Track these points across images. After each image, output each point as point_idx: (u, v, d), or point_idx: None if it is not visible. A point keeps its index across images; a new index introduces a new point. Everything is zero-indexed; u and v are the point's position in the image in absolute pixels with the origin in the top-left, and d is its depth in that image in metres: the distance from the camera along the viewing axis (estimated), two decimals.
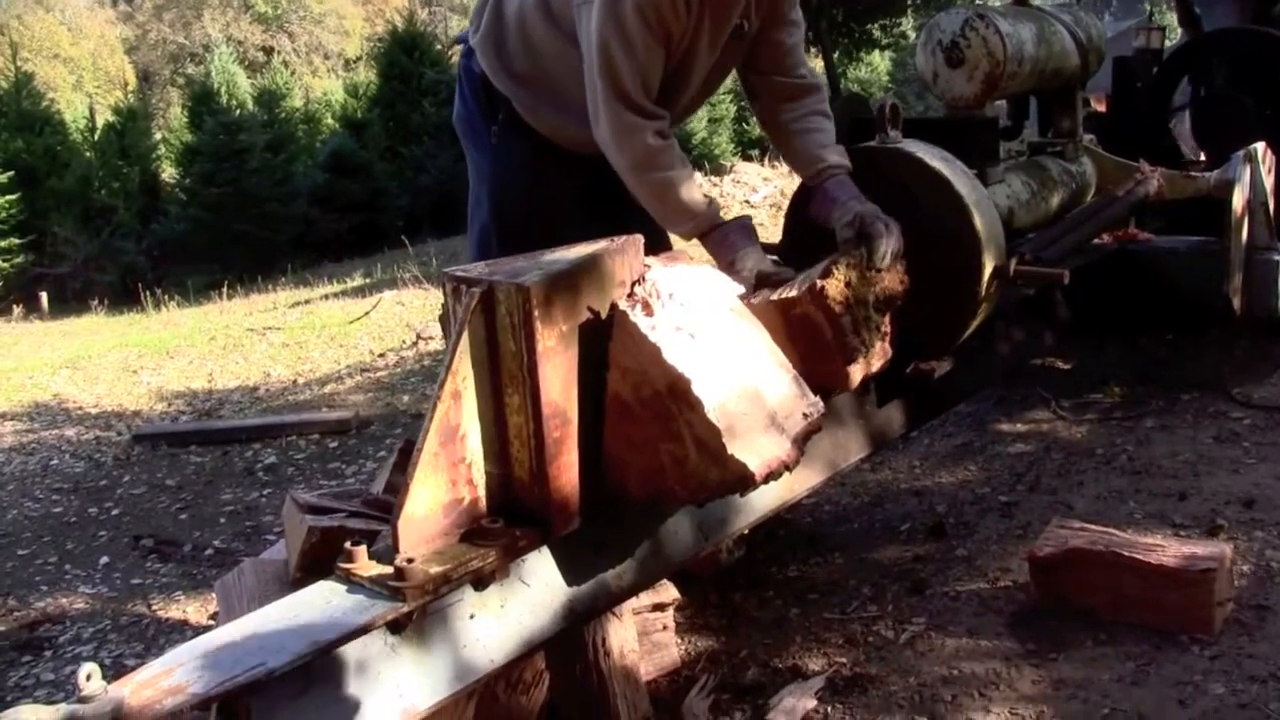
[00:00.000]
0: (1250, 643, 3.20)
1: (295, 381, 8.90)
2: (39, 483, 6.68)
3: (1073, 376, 5.56)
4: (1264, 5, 6.22)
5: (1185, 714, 2.93)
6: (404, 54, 33.12)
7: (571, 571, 2.66)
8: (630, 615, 3.19)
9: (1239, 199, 4.63)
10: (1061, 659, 3.24)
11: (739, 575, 3.96)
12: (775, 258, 3.38)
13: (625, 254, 2.57)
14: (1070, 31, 4.67)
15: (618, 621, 3.08)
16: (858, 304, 3.06)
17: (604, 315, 2.51)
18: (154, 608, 4.68)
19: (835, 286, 2.99)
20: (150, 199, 33.90)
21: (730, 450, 2.46)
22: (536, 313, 2.34)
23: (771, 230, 11.31)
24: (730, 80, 3.90)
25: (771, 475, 2.55)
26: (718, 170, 15.80)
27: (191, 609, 4.63)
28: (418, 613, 2.30)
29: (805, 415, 2.65)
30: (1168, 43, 6.40)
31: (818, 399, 2.71)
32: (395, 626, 2.27)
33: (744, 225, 3.43)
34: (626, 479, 2.59)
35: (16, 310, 23.28)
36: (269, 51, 55.39)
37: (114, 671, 3.89)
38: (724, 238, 3.39)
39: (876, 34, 32.27)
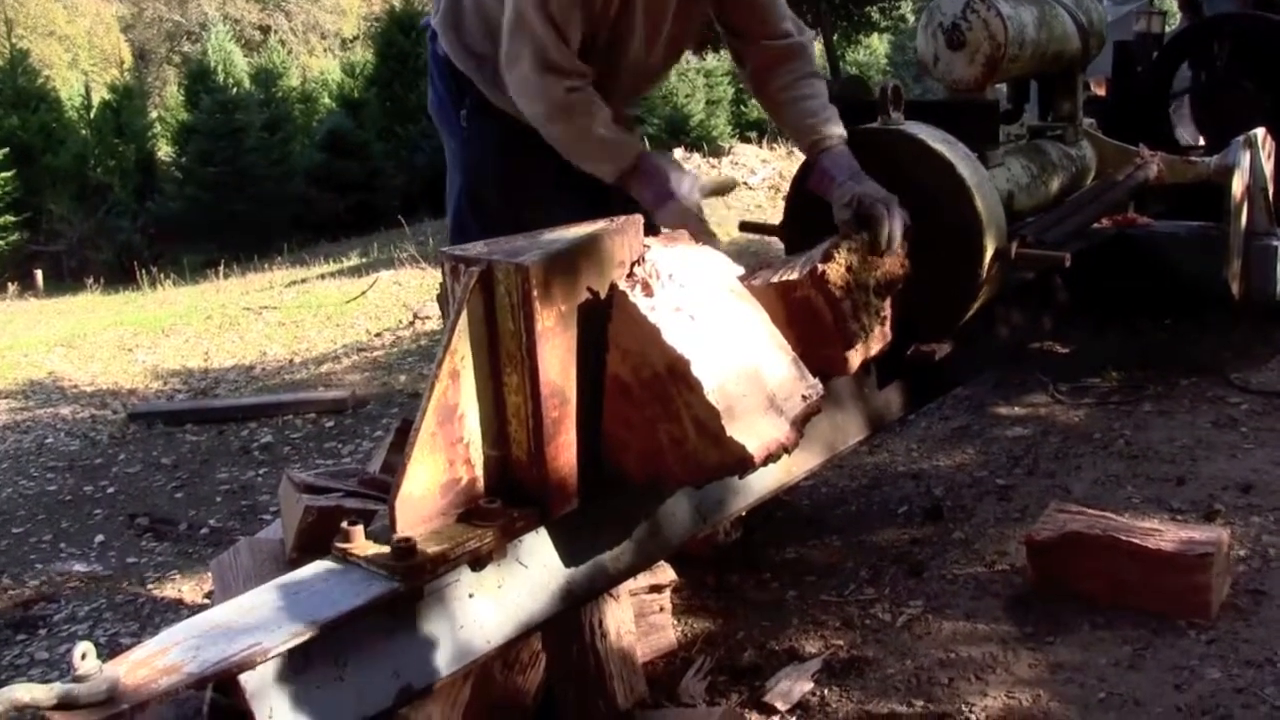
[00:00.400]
0: (1246, 628, 3.21)
1: (291, 361, 8.88)
2: (34, 461, 6.67)
3: (1071, 360, 5.56)
4: None
5: (1181, 698, 2.93)
6: (401, 33, 32.98)
7: (569, 552, 2.65)
8: (627, 597, 3.19)
9: (1238, 184, 4.62)
10: (1058, 643, 3.24)
11: (736, 557, 3.96)
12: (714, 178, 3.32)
13: (625, 234, 2.56)
14: (1071, 15, 4.65)
15: (615, 603, 3.08)
16: (858, 288, 3.05)
17: (603, 295, 2.49)
18: (149, 586, 4.68)
19: (836, 271, 2.98)
20: (146, 177, 33.81)
21: (729, 432, 2.45)
22: (535, 292, 2.33)
23: (770, 212, 11.31)
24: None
25: (770, 457, 2.54)
26: (715, 152, 15.77)
27: (187, 588, 4.62)
28: (415, 593, 2.29)
29: (804, 397, 2.65)
30: (1168, 27, 6.38)
31: (817, 381, 2.70)
32: (392, 606, 2.26)
33: (665, 154, 3.37)
34: (625, 460, 2.58)
35: (11, 288, 23.17)
36: (266, 30, 55.20)
37: (109, 650, 3.89)
38: (654, 167, 3.34)
39: (875, 16, 32.24)
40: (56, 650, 4.18)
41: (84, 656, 1.88)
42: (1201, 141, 5.80)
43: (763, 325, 2.70)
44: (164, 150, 35.71)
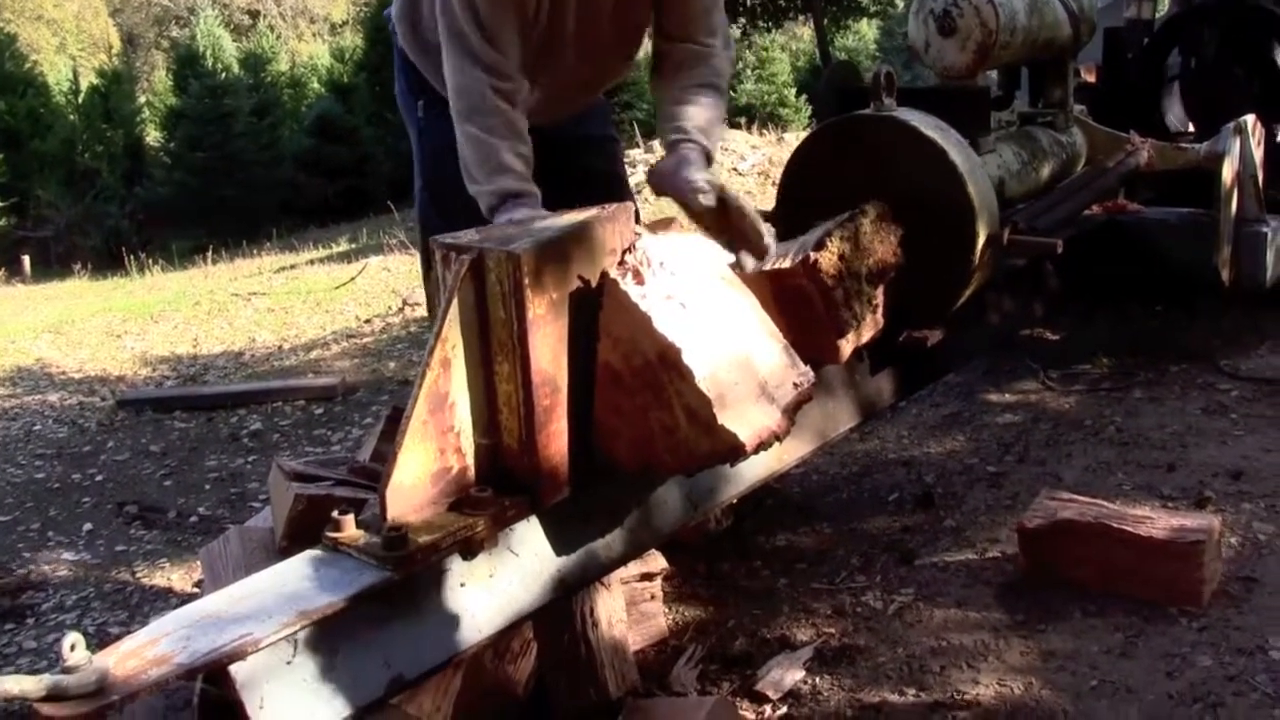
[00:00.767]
0: (1238, 615, 3.20)
1: (281, 347, 8.87)
2: (22, 448, 6.66)
3: (1061, 347, 5.57)
4: None
5: (1173, 686, 2.93)
6: None
7: (560, 541, 2.64)
8: (618, 585, 3.19)
9: (1228, 171, 4.61)
10: (1050, 630, 3.24)
11: (727, 545, 3.96)
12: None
13: (616, 222, 2.55)
14: (1062, 2, 4.64)
15: (606, 592, 3.08)
16: (850, 276, 3.05)
17: (594, 283, 2.48)
18: (138, 575, 4.67)
19: (828, 259, 2.98)
20: (134, 162, 33.82)
21: (721, 420, 2.44)
22: (527, 280, 2.32)
23: (760, 198, 11.29)
24: None
25: (762, 445, 2.53)
26: None
27: (176, 576, 4.62)
28: (406, 582, 2.28)
29: (796, 385, 2.64)
30: (1158, 14, 6.37)
31: (808, 369, 2.69)
32: (383, 596, 2.25)
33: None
34: (616, 448, 2.57)
35: None
36: (254, 15, 55.07)
37: (98, 639, 3.89)
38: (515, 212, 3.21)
39: (865, 2, 32.17)
40: (45, 639, 4.17)
41: (73, 647, 1.87)
42: (1191, 128, 5.79)
43: (754, 313, 2.69)
44: (152, 135, 35.71)
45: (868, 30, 40.05)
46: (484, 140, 3.26)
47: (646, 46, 3.75)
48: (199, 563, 3.82)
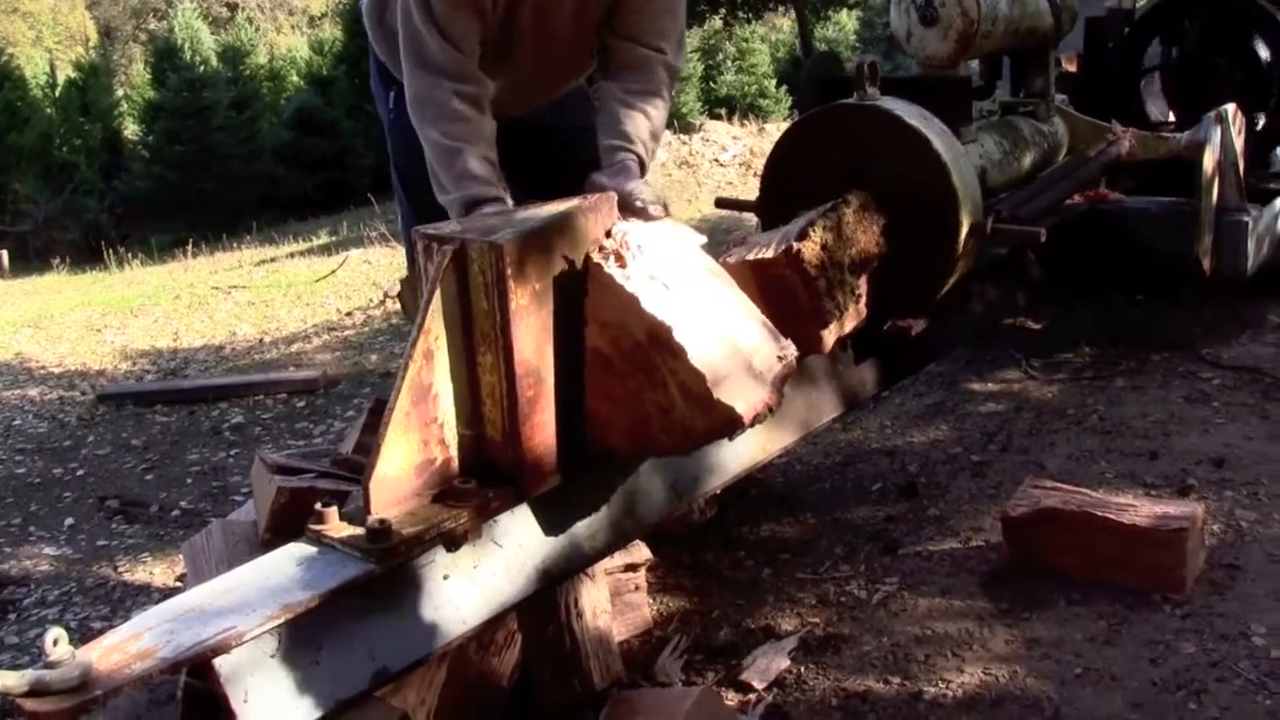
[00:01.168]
0: (1221, 601, 3.22)
1: (262, 340, 8.84)
2: (1, 443, 6.62)
3: (1044, 336, 5.57)
4: None
5: (1157, 673, 2.94)
6: None
7: (544, 532, 2.64)
8: (603, 576, 3.18)
9: (1210, 160, 4.63)
10: (1034, 619, 3.24)
11: (711, 535, 3.95)
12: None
13: (599, 211, 2.55)
14: None
15: (590, 582, 3.07)
16: (833, 266, 3.05)
17: (577, 273, 2.48)
18: (120, 569, 4.65)
19: (811, 249, 2.98)
20: (113, 156, 33.72)
21: (716, 395, 2.44)
22: (509, 271, 2.31)
23: (741, 189, 11.29)
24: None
25: (757, 418, 2.53)
26: (686, 128, 15.74)
27: (158, 570, 4.60)
28: (390, 575, 2.28)
29: (780, 358, 2.63)
30: (1139, 3, 6.38)
31: (789, 342, 2.69)
32: (367, 589, 2.25)
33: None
34: (611, 434, 2.57)
35: None
36: (233, 8, 54.92)
37: (80, 634, 3.87)
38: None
39: None
40: (27, 634, 4.15)
41: (56, 642, 1.86)
42: (1172, 117, 5.79)
43: (732, 293, 2.69)
44: (130, 129, 35.59)
45: (847, 21, 40.03)
46: (449, 147, 3.24)
47: None
48: (181, 557, 3.81)
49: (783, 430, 3.26)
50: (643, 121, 3.42)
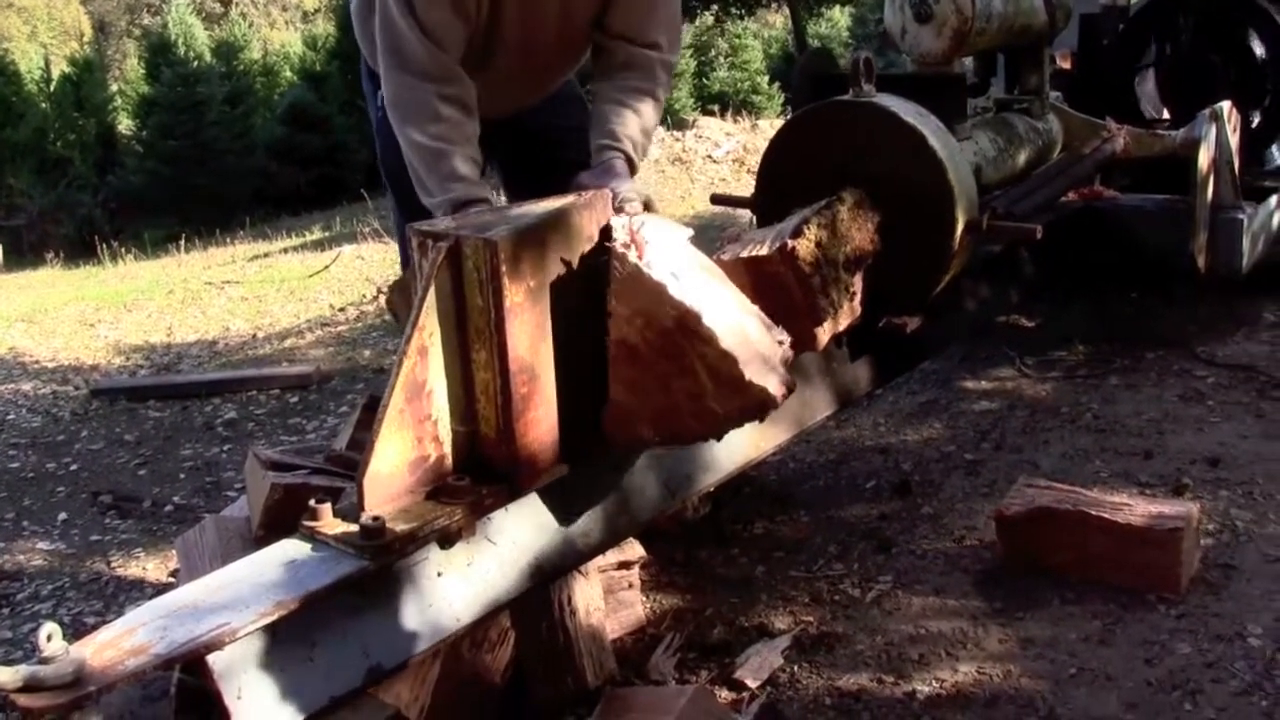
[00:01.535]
0: (1216, 602, 3.21)
1: (255, 335, 8.83)
2: None
3: (1038, 334, 5.57)
4: None
5: (1152, 673, 2.94)
6: None
7: (538, 529, 2.65)
8: (596, 573, 3.18)
9: (1204, 157, 4.62)
10: (1028, 618, 3.24)
11: (705, 533, 3.95)
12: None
13: (593, 208, 2.55)
14: None
15: (584, 580, 3.07)
16: (828, 264, 3.05)
17: (573, 270, 2.48)
18: (113, 565, 4.64)
19: (806, 246, 2.98)
20: (107, 151, 33.70)
21: (748, 376, 2.45)
22: (504, 268, 2.31)
23: (734, 185, 11.27)
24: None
25: (784, 398, 2.57)
26: (679, 125, 15.70)
27: (151, 566, 4.59)
28: (384, 572, 2.28)
29: (780, 342, 2.65)
30: (1133, 0, 6.38)
31: (782, 329, 2.70)
32: (361, 585, 2.25)
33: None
34: (638, 424, 2.57)
35: None
36: (227, 3, 54.83)
37: (73, 629, 3.86)
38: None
39: None
40: (20, 629, 4.14)
41: (50, 638, 1.86)
42: (1167, 115, 5.80)
43: (724, 286, 2.70)
44: (124, 124, 35.57)
45: (841, 17, 40.00)
46: (433, 148, 3.24)
47: None
48: (175, 552, 3.79)
49: (776, 428, 3.26)
50: (633, 119, 3.42)
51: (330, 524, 2.30)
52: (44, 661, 1.85)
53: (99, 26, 56.15)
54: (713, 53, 35.72)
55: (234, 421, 6.46)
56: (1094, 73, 5.83)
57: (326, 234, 15.62)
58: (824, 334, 3.08)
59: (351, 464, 2.89)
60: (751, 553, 3.85)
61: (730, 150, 13.40)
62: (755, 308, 2.70)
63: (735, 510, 4.10)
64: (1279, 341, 5.11)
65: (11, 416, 7.05)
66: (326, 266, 10.98)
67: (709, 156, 13.18)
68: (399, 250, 4.50)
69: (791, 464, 4.54)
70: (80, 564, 4.68)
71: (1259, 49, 5.47)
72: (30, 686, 1.83)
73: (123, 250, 18.38)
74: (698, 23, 31.88)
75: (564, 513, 2.70)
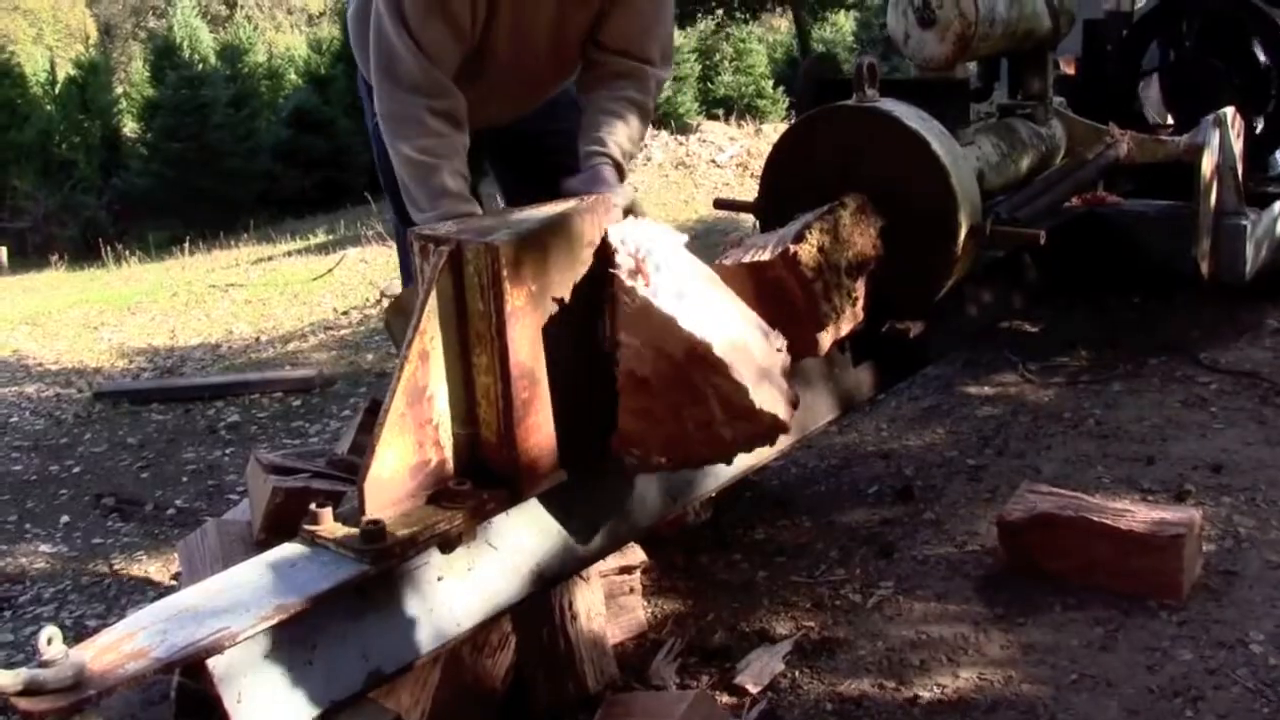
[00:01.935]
0: (1218, 608, 3.21)
1: (258, 339, 8.84)
2: None
3: (1040, 340, 5.56)
4: None
5: (1153, 679, 2.94)
6: None
7: (539, 534, 2.64)
8: (597, 578, 3.18)
9: (1208, 163, 4.61)
10: (1030, 624, 3.24)
11: (706, 538, 3.95)
12: None
13: (595, 213, 2.55)
14: None
15: (585, 585, 3.07)
16: (830, 269, 3.05)
17: (575, 275, 2.48)
18: (115, 567, 4.65)
19: (808, 251, 2.98)
20: (111, 153, 33.66)
21: (758, 404, 2.45)
22: (505, 272, 2.31)
23: (738, 190, 11.26)
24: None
25: (791, 416, 2.60)
26: (683, 129, 15.69)
27: (153, 569, 4.60)
28: (384, 576, 2.28)
29: (779, 350, 2.66)
30: (1137, 6, 6.37)
31: (777, 333, 2.71)
32: (361, 590, 2.25)
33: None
34: (649, 452, 2.57)
35: None
36: (232, 5, 54.85)
37: (75, 632, 3.87)
38: None
39: None
40: (21, 632, 4.15)
41: (50, 641, 1.86)
42: (1170, 120, 5.79)
43: (720, 292, 2.70)
44: (129, 126, 35.53)
45: (845, 22, 39.97)
46: (424, 163, 3.25)
47: None
48: (176, 555, 3.79)
49: None
50: (622, 129, 3.43)
51: (331, 528, 2.30)
52: (44, 665, 1.85)
53: (104, 29, 56.17)
54: (717, 57, 35.71)
55: (236, 425, 6.46)
56: (1098, 78, 5.83)
57: (330, 237, 15.62)
58: (826, 339, 3.08)
59: (353, 468, 2.89)
60: (753, 558, 3.85)
61: (734, 155, 13.39)
62: (754, 314, 2.70)
63: (737, 515, 4.10)
64: None
65: (15, 419, 7.06)
66: (330, 270, 10.99)
67: (713, 161, 13.18)
68: (399, 257, 4.51)
69: (793, 469, 4.54)
70: (82, 567, 4.69)
71: (1262, 55, 5.46)
72: (30, 690, 1.83)
73: (127, 253, 18.40)
74: (701, 27, 31.92)
75: (565, 517, 2.70)
